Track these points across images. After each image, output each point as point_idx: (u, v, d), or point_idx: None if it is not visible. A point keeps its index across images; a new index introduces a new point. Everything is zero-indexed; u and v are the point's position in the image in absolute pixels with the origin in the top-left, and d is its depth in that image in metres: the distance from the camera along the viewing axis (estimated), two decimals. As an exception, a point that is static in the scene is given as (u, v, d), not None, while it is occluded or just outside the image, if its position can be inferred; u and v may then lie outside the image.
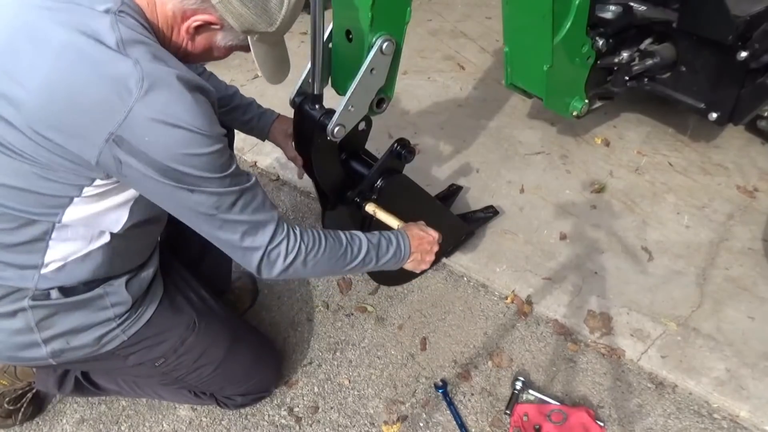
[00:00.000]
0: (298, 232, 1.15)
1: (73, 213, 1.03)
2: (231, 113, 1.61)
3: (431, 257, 1.44)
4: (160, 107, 0.91)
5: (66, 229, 1.06)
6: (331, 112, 1.35)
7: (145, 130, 0.92)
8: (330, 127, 1.33)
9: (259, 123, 1.65)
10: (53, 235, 1.06)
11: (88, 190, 1.01)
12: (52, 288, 1.11)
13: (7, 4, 0.98)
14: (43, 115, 0.93)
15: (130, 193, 1.07)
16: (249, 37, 1.07)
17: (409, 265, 1.41)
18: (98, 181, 1.00)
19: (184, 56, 1.09)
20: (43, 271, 1.09)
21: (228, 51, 1.12)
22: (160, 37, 1.04)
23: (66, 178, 0.98)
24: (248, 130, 1.67)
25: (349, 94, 1.31)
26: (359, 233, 1.28)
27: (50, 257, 1.08)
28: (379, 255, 1.29)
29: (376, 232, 1.33)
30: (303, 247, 1.15)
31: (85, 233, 1.09)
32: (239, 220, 1.07)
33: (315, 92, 1.37)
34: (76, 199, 1.02)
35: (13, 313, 1.11)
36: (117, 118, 0.90)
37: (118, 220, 1.10)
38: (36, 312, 1.11)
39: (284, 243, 1.12)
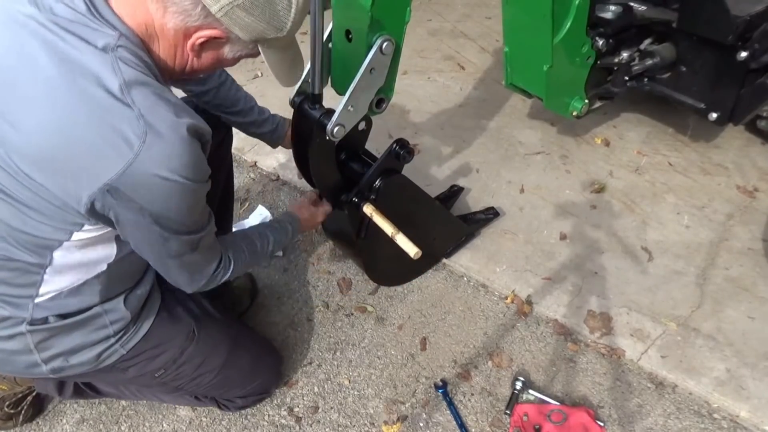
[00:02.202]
0: (230, 255, 1.23)
1: (63, 255, 1.03)
2: (247, 127, 1.62)
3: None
4: (159, 162, 0.89)
5: (60, 263, 1.05)
6: (331, 112, 1.35)
7: (141, 184, 0.90)
8: (329, 126, 1.33)
9: (273, 135, 1.67)
10: (47, 270, 1.05)
11: (77, 235, 1.00)
12: (48, 315, 1.10)
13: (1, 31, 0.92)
14: (34, 157, 0.89)
15: (114, 232, 1.06)
16: (259, 45, 1.03)
17: None
18: (87, 226, 0.99)
19: (189, 73, 1.06)
20: (38, 300, 1.08)
21: (236, 60, 1.08)
22: (162, 64, 1.00)
23: (53, 222, 0.97)
24: (263, 139, 1.68)
25: (348, 93, 1.31)
26: (268, 232, 1.38)
27: (45, 289, 1.07)
28: (280, 244, 1.42)
29: (277, 226, 1.43)
30: (232, 266, 1.23)
31: (79, 267, 1.08)
32: (196, 261, 1.13)
33: (315, 92, 1.36)
34: (65, 243, 1.00)
35: (11, 337, 1.10)
36: (115, 170, 0.88)
37: (109, 255, 1.10)
38: (34, 335, 1.10)
39: (221, 267, 1.21)
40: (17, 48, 0.89)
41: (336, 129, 1.34)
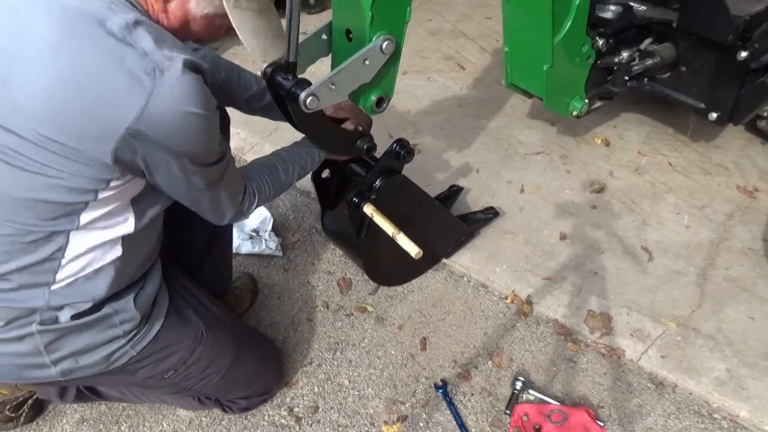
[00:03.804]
0: (254, 187, 1.28)
1: (88, 217, 1.03)
2: (263, 110, 1.58)
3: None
4: (173, 97, 0.91)
5: (79, 243, 1.05)
6: (305, 81, 1.27)
7: (161, 121, 0.92)
8: (303, 95, 1.23)
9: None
10: (66, 253, 1.05)
11: (102, 194, 1.00)
12: (63, 305, 1.09)
13: None
14: (51, 117, 0.90)
15: (133, 190, 1.06)
16: (224, 1, 1.00)
17: None
18: (113, 183, 0.99)
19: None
20: (54, 287, 1.07)
21: (207, 24, 1.05)
22: None
23: (80, 183, 0.97)
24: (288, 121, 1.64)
25: (335, 71, 1.26)
26: (292, 160, 1.39)
27: (62, 275, 1.07)
28: (306, 170, 1.44)
29: (302, 152, 1.42)
30: (257, 197, 1.29)
31: (96, 246, 1.08)
32: (224, 191, 1.16)
33: (288, 60, 1.25)
34: (91, 203, 1.01)
35: (21, 338, 1.09)
36: (133, 112, 0.90)
37: (128, 229, 1.10)
38: (44, 336, 1.10)
39: (247, 197, 1.26)
40: (14, 14, 0.91)
41: (310, 99, 1.23)
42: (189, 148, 0.99)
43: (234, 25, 1.02)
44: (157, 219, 1.20)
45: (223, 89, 1.47)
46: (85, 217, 1.02)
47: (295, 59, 1.25)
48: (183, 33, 1.06)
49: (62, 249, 1.04)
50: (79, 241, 1.05)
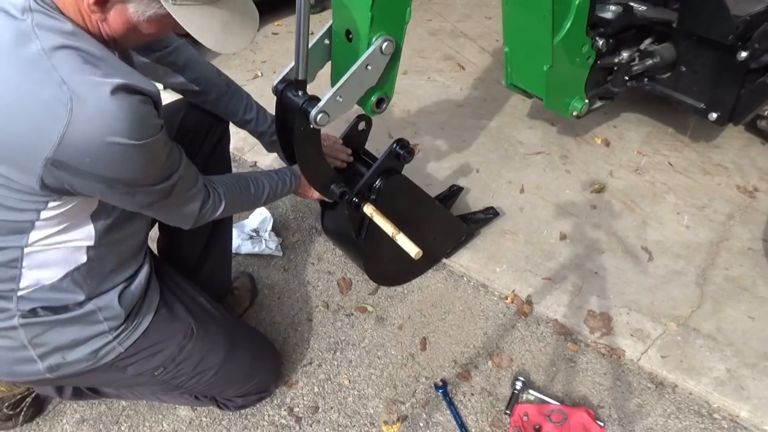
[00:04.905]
0: (221, 192, 1.26)
1: (38, 235, 1.02)
2: (250, 133, 1.62)
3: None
4: (94, 126, 0.88)
5: (37, 255, 1.05)
6: (315, 98, 1.30)
7: (82, 151, 0.89)
8: (314, 112, 1.27)
9: (270, 147, 1.66)
10: (24, 263, 1.05)
11: (45, 213, 0.99)
12: (35, 308, 1.10)
13: None
14: None
15: (88, 206, 1.05)
16: (163, 1, 0.92)
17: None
18: (51, 203, 0.98)
19: (112, 44, 0.99)
20: (20, 293, 1.08)
21: (159, 25, 0.97)
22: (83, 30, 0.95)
23: (20, 205, 0.97)
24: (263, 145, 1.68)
25: (341, 83, 1.28)
26: (264, 179, 1.40)
27: (25, 283, 1.08)
28: (276, 194, 1.44)
29: (274, 174, 1.44)
30: (223, 202, 1.27)
31: (56, 257, 1.07)
32: (174, 204, 1.14)
33: (298, 77, 1.29)
34: (37, 223, 1.00)
35: (4, 332, 1.10)
36: (50, 143, 0.87)
37: (89, 234, 1.09)
38: (27, 330, 1.11)
39: (210, 204, 1.24)
40: None
41: (320, 116, 1.28)
42: (119, 176, 0.95)
43: (180, 24, 0.94)
44: (129, 225, 1.18)
45: (211, 108, 1.51)
46: (35, 236, 1.02)
47: (305, 77, 1.29)
48: (134, 37, 1.00)
49: (18, 260, 1.04)
50: (34, 255, 1.05)
